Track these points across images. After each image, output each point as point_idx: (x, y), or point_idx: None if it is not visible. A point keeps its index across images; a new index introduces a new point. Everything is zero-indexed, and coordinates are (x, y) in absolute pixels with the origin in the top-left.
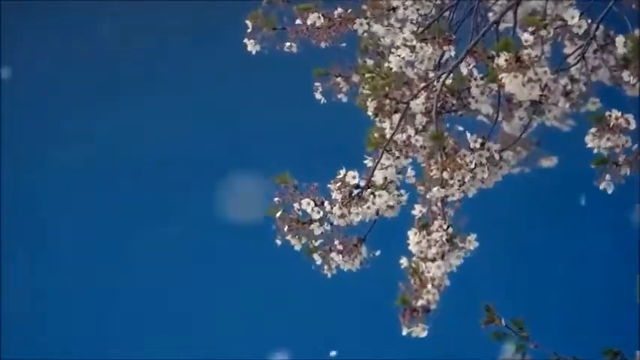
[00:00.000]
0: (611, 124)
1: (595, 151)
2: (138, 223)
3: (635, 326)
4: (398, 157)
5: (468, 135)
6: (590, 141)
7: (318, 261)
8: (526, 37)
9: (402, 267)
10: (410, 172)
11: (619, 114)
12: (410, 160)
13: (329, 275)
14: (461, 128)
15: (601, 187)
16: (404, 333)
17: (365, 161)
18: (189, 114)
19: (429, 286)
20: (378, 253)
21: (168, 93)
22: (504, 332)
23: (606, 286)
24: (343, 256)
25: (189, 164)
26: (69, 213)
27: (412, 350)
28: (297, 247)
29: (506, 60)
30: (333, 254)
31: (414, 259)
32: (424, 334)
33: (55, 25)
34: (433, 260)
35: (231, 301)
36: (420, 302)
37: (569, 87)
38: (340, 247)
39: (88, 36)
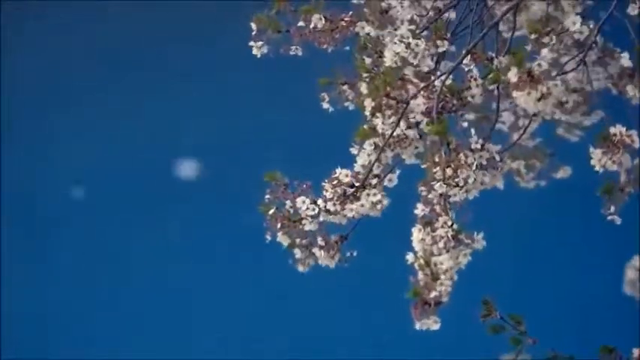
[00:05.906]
0: (615, 140)
1: (601, 171)
2: (139, 223)
3: (636, 328)
4: (384, 151)
5: (472, 132)
6: (596, 162)
7: (298, 255)
8: (544, 52)
9: (409, 263)
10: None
11: (623, 130)
12: (392, 153)
13: (301, 269)
14: (465, 124)
15: (608, 218)
16: (417, 327)
17: (351, 149)
18: (189, 113)
19: (442, 277)
20: (355, 253)
21: (169, 92)
22: (502, 326)
23: (607, 287)
24: (325, 253)
25: (190, 163)
26: (69, 212)
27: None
28: (285, 244)
29: (519, 77)
30: (315, 249)
31: (419, 254)
32: (437, 326)
33: (55, 24)
34: (440, 255)
35: (231, 302)
36: (433, 294)
37: (564, 98)
38: (322, 243)
39: (88, 36)
